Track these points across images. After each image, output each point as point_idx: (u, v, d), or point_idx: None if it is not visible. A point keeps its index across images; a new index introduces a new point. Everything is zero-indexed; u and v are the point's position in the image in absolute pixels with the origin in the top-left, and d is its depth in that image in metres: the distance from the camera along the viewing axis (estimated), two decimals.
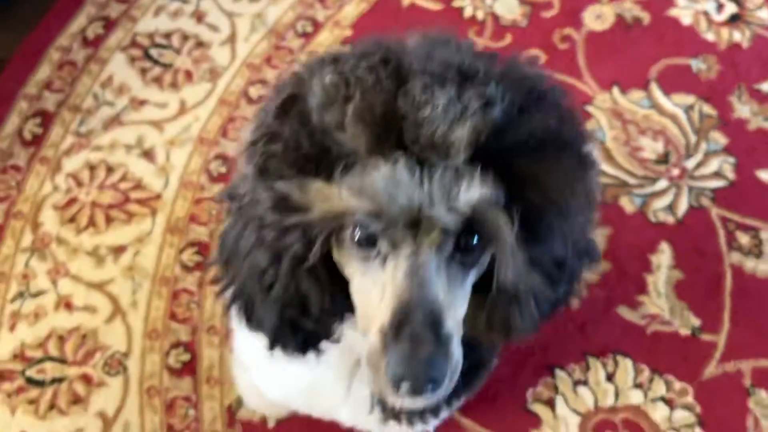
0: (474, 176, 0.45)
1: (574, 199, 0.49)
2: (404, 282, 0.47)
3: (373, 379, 0.50)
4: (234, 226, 0.56)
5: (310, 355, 0.60)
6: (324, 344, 0.59)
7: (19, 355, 1.21)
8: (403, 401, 0.49)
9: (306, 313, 0.54)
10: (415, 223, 0.47)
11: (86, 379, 1.19)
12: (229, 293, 0.60)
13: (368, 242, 0.49)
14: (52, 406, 1.17)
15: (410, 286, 0.47)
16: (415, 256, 0.47)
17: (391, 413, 0.68)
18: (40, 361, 1.20)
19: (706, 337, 1.16)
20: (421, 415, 0.70)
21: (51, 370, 1.19)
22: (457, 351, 0.49)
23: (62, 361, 1.20)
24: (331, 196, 0.46)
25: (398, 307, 0.47)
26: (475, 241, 0.49)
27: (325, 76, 0.48)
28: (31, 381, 1.19)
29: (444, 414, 0.77)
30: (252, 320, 0.59)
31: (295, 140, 0.48)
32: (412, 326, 0.46)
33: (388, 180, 0.44)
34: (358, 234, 0.49)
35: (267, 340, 0.59)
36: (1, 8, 1.54)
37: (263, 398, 1.04)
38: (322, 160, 0.47)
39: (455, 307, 0.49)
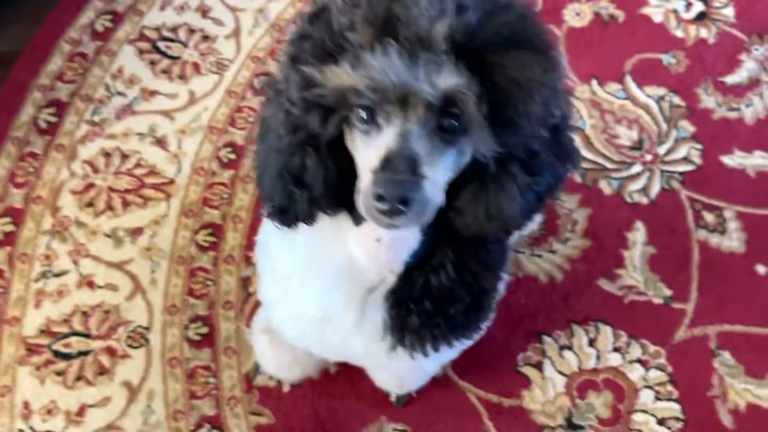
0: (450, 66, 0.58)
1: (538, 85, 0.61)
2: (393, 140, 0.60)
3: (365, 209, 0.61)
4: (268, 110, 0.70)
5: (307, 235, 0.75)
6: (317, 218, 0.72)
7: (45, 331, 1.28)
8: (388, 221, 0.60)
9: (303, 185, 0.68)
10: (405, 101, 0.59)
11: (111, 351, 1.27)
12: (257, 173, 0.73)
13: (369, 120, 0.62)
14: (79, 377, 1.25)
15: (397, 141, 0.60)
16: (404, 125, 0.60)
17: (399, 337, 0.79)
18: (66, 336, 1.28)
19: (676, 305, 1.29)
20: (422, 343, 0.80)
21: (77, 344, 1.28)
22: (430, 192, 0.60)
23: (87, 335, 1.28)
24: (340, 75, 0.59)
25: (385, 154, 0.60)
26: (455, 124, 0.61)
27: None
28: (58, 354, 1.27)
29: (446, 352, 0.85)
30: (264, 190, 0.72)
31: (320, 39, 0.61)
32: (393, 164, 0.59)
33: (381, 60, 0.57)
34: (362, 115, 0.62)
35: (271, 209, 0.72)
36: (11, 3, 1.60)
37: (278, 359, 1.15)
38: (338, 53, 0.60)
39: (433, 167, 0.61)
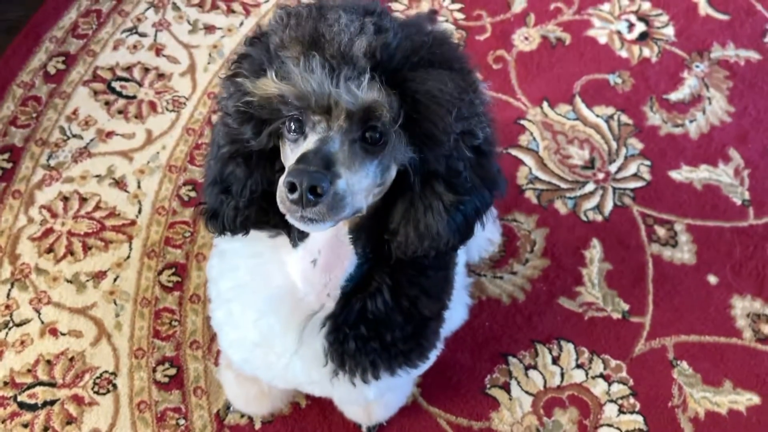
0: (369, 80, 0.62)
1: (453, 101, 0.65)
2: (313, 143, 0.64)
3: (280, 203, 0.64)
4: (216, 124, 0.75)
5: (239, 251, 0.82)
6: (244, 228, 0.77)
7: (9, 382, 1.27)
8: (301, 212, 0.63)
9: (230, 192, 0.74)
10: (329, 111, 0.64)
11: (77, 399, 1.26)
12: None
13: (298, 130, 0.67)
14: (46, 428, 1.23)
15: (316, 144, 0.64)
16: (326, 132, 0.65)
17: (339, 363, 0.81)
18: (31, 386, 1.26)
19: (634, 319, 1.33)
20: (361, 369, 0.82)
21: (42, 393, 1.26)
22: (344, 190, 0.63)
23: (52, 384, 1.27)
24: (268, 84, 0.64)
25: (303, 152, 0.64)
26: (376, 137, 0.65)
27: (276, 13, 0.68)
28: (23, 405, 1.25)
29: (387, 379, 0.86)
30: (203, 195, 0.78)
31: (258, 57, 0.67)
32: (307, 159, 0.63)
33: (303, 70, 0.62)
34: (291, 125, 0.67)
35: (204, 213, 0.78)
36: None
37: (245, 393, 1.15)
38: (271, 68, 0.65)
39: (352, 172, 0.65)
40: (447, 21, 1.62)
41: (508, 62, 1.58)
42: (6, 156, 1.47)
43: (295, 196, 0.62)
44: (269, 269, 0.80)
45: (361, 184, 0.66)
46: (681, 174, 1.47)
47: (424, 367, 0.93)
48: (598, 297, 1.35)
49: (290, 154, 0.68)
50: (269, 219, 0.76)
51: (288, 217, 0.66)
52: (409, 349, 0.85)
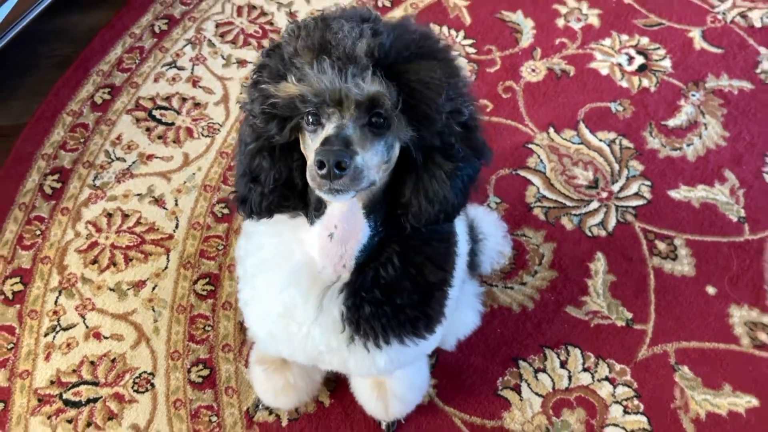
0: (371, 75, 0.74)
1: (442, 85, 0.77)
2: (332, 129, 0.75)
3: (311, 180, 0.76)
4: (242, 126, 0.87)
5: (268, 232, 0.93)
6: (270, 212, 0.89)
7: (56, 381, 1.37)
8: (329, 185, 0.74)
9: (258, 181, 0.86)
10: (340, 103, 0.75)
11: (118, 397, 1.36)
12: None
13: (315, 123, 0.78)
14: (89, 423, 1.33)
15: (334, 129, 0.75)
16: (340, 121, 0.76)
17: (355, 327, 0.91)
18: (76, 385, 1.37)
19: (637, 326, 1.42)
20: (374, 333, 0.92)
21: (86, 392, 1.36)
22: (362, 164, 0.75)
23: (95, 383, 1.37)
24: (289, 87, 0.76)
25: (325, 137, 0.75)
26: (381, 121, 0.77)
27: (288, 27, 0.80)
28: (68, 403, 1.35)
29: (397, 348, 0.95)
30: (236, 189, 0.89)
31: (275, 66, 0.79)
32: (331, 141, 0.74)
33: (317, 72, 0.74)
34: (310, 119, 0.78)
35: (235, 200, 0.90)
36: (14, 79, 1.73)
37: (273, 385, 1.24)
38: (288, 73, 0.77)
39: (365, 150, 0.76)
40: (460, 55, 1.76)
41: (517, 92, 1.71)
42: (56, 177, 1.60)
43: (324, 171, 0.73)
44: (290, 247, 0.91)
45: (373, 161, 0.78)
46: (680, 193, 1.57)
47: (431, 344, 1.02)
48: (603, 306, 1.44)
49: (311, 143, 0.79)
50: (289, 203, 0.88)
51: (318, 191, 0.77)
52: (416, 317, 0.94)
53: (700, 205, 1.56)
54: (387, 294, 0.91)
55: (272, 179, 0.86)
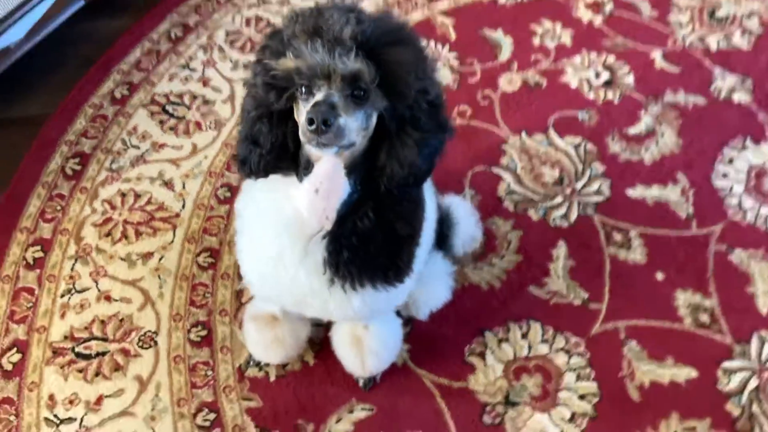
0: (355, 56, 0.91)
1: (412, 66, 0.95)
2: (321, 96, 0.92)
3: (302, 134, 0.93)
4: (244, 99, 1.04)
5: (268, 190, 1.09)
6: (267, 172, 1.05)
7: (69, 336, 1.53)
8: (317, 139, 0.91)
9: (258, 144, 1.02)
10: (329, 77, 0.92)
11: (125, 352, 1.52)
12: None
13: (308, 92, 0.94)
14: (97, 373, 1.49)
15: (323, 96, 0.92)
16: (328, 91, 0.92)
17: (334, 270, 1.07)
18: (87, 340, 1.53)
19: (592, 305, 1.58)
20: (351, 276, 1.08)
21: (96, 346, 1.52)
22: (344, 125, 0.92)
23: (104, 339, 1.53)
24: (287, 62, 0.93)
25: (316, 101, 0.92)
26: (361, 94, 0.94)
27: (287, 14, 0.98)
28: (79, 355, 1.51)
29: (370, 293, 1.11)
30: (238, 151, 1.06)
31: (276, 45, 0.96)
32: (319, 104, 0.91)
33: (311, 50, 0.91)
34: (303, 89, 0.94)
35: (237, 161, 1.06)
36: (43, 74, 1.93)
37: (263, 338, 1.40)
38: (286, 52, 0.93)
39: (348, 115, 0.93)
40: (445, 66, 1.96)
41: (494, 100, 1.90)
42: (77, 160, 1.79)
43: (313, 127, 0.90)
44: (282, 202, 1.07)
45: (353, 125, 0.95)
46: (636, 191, 1.75)
47: (400, 294, 1.18)
48: (563, 287, 1.60)
49: (303, 110, 0.96)
50: (283, 164, 1.05)
51: (308, 145, 0.95)
52: (387, 266, 1.11)
53: (653, 202, 1.73)
54: (362, 242, 1.08)
55: (270, 142, 1.02)
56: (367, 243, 1.08)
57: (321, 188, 1.04)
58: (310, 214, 1.06)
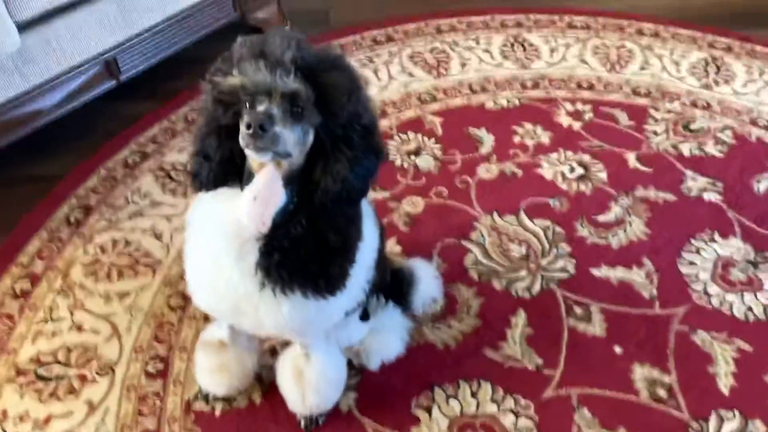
0: (294, 77, 1.02)
1: (344, 90, 1.05)
2: (261, 108, 1.02)
3: (241, 139, 1.02)
4: (197, 120, 1.19)
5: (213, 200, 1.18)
6: (215, 184, 1.15)
7: (35, 359, 1.60)
8: (254, 143, 1.00)
9: (208, 158, 1.13)
10: (269, 93, 1.02)
11: (82, 377, 1.57)
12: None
13: (251, 107, 1.04)
14: (51, 394, 1.54)
15: (263, 109, 1.02)
16: (268, 105, 1.02)
17: (266, 273, 1.13)
18: (50, 363, 1.59)
19: (546, 371, 1.56)
20: (282, 282, 1.13)
21: (56, 369, 1.58)
22: (280, 134, 1.02)
23: (66, 364, 1.59)
24: (233, 79, 1.04)
25: (257, 111, 1.02)
26: (298, 111, 1.04)
27: (237, 41, 1.10)
28: (40, 377, 1.57)
29: (299, 298, 1.16)
30: (190, 166, 1.16)
31: (225, 68, 1.07)
32: (258, 112, 1.01)
33: (255, 70, 1.02)
34: (247, 105, 1.05)
35: (189, 174, 1.17)
36: (68, 140, 2.17)
37: (209, 364, 1.45)
38: (233, 71, 1.05)
39: (286, 128, 1.03)
40: (428, 155, 2.11)
41: (471, 185, 2.02)
42: (81, 211, 1.95)
43: (251, 131, 1.03)
44: (224, 210, 1.16)
45: (290, 136, 1.06)
46: (600, 271, 1.78)
47: (332, 311, 1.23)
48: (518, 352, 1.60)
49: (245, 119, 1.07)
50: (230, 177, 1.16)
51: (246, 149, 1.06)
52: (317, 274, 1.17)
53: (617, 282, 1.76)
54: (293, 246, 1.16)
55: (218, 155, 1.14)
56: (297, 248, 1.16)
57: (259, 195, 1.14)
58: (248, 219, 1.16)
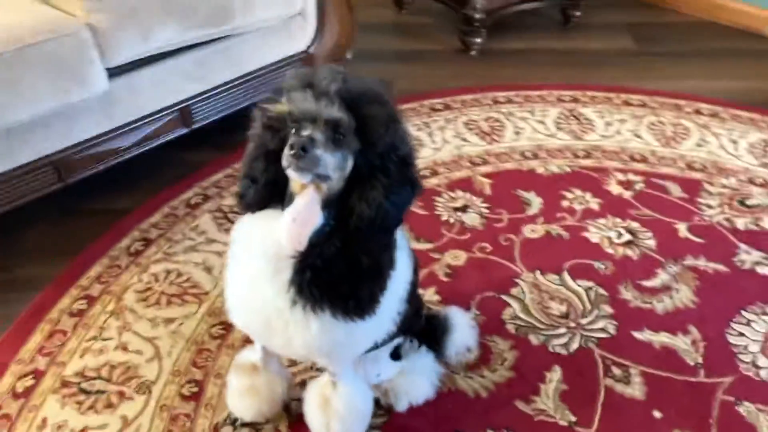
0: (338, 106, 1.08)
1: (383, 122, 1.10)
2: (306, 133, 1.09)
3: (285, 160, 1.08)
4: (248, 145, 1.22)
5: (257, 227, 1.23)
6: (260, 205, 1.21)
7: (80, 373, 1.68)
8: (296, 163, 1.06)
9: (255, 180, 1.18)
10: (314, 120, 1.09)
11: (121, 394, 1.63)
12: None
13: (296, 133, 1.10)
14: (90, 407, 1.60)
15: (307, 134, 1.08)
16: (312, 131, 1.09)
17: (298, 290, 1.17)
18: (93, 379, 1.66)
19: (579, 429, 1.51)
20: (313, 300, 1.17)
21: (98, 385, 1.65)
22: (322, 157, 1.08)
23: (108, 380, 1.66)
24: (281, 106, 1.11)
25: (301, 135, 1.08)
26: (340, 138, 1.10)
27: (288, 73, 1.18)
28: (82, 390, 1.64)
29: (329, 318, 1.19)
30: (239, 187, 1.23)
31: (275, 96, 1.15)
32: (302, 136, 1.07)
33: (302, 99, 1.09)
34: (293, 130, 1.11)
35: (239, 197, 1.22)
36: (139, 178, 2.33)
37: (239, 385, 1.49)
38: (281, 100, 1.13)
39: (327, 152, 1.08)
40: (474, 212, 2.15)
41: (515, 242, 2.03)
42: (142, 243, 2.08)
43: (293, 152, 1.11)
44: (266, 230, 1.23)
45: (330, 160, 1.13)
46: (643, 335, 1.74)
47: (361, 336, 1.25)
48: (550, 406, 1.56)
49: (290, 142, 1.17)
50: (274, 199, 1.22)
51: (287, 169, 1.14)
52: (347, 295, 1.20)
53: (660, 347, 1.71)
54: (326, 265, 1.21)
55: (264, 178, 1.22)
56: (330, 267, 1.21)
57: (298, 217, 1.21)
58: (286, 239, 1.23)
